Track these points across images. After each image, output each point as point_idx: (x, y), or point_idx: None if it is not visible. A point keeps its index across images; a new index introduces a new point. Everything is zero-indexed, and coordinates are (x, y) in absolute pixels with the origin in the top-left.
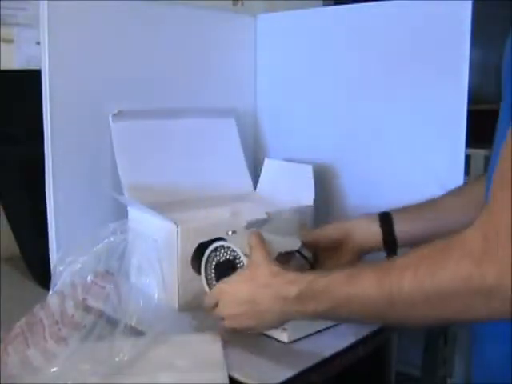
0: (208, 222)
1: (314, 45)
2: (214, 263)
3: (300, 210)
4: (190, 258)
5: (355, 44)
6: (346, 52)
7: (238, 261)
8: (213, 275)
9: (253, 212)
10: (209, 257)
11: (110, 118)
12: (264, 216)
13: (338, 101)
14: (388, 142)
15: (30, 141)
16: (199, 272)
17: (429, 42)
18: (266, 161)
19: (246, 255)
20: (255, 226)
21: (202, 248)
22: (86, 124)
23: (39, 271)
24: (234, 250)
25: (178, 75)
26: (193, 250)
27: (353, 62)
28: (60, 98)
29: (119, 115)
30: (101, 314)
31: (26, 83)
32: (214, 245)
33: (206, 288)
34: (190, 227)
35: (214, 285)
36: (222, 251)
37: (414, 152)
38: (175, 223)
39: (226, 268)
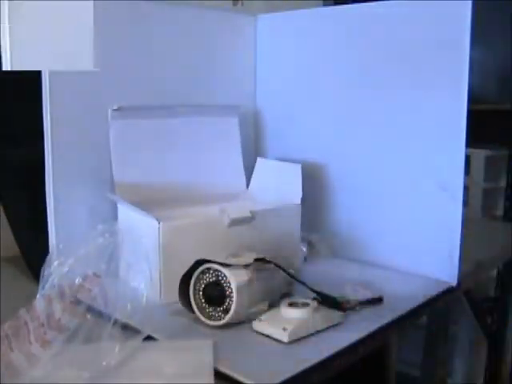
0: (191, 220)
1: (314, 45)
2: (201, 291)
3: (286, 209)
4: (173, 257)
5: (355, 44)
6: (345, 52)
7: (220, 278)
8: (203, 301)
9: (239, 211)
10: (194, 290)
11: (109, 115)
12: (248, 214)
13: (338, 100)
14: (388, 142)
15: (30, 141)
16: (191, 309)
17: (429, 42)
18: (258, 160)
19: (226, 266)
20: (239, 224)
21: (185, 281)
22: (86, 124)
23: (39, 271)
24: (216, 269)
25: (177, 75)
26: (176, 246)
27: (353, 62)
28: (60, 97)
29: (119, 112)
30: (89, 309)
31: (26, 83)
32: (194, 275)
33: (202, 318)
34: (171, 224)
35: (208, 311)
36: (206, 275)
37: (414, 152)
38: (157, 220)
39: (213, 289)
